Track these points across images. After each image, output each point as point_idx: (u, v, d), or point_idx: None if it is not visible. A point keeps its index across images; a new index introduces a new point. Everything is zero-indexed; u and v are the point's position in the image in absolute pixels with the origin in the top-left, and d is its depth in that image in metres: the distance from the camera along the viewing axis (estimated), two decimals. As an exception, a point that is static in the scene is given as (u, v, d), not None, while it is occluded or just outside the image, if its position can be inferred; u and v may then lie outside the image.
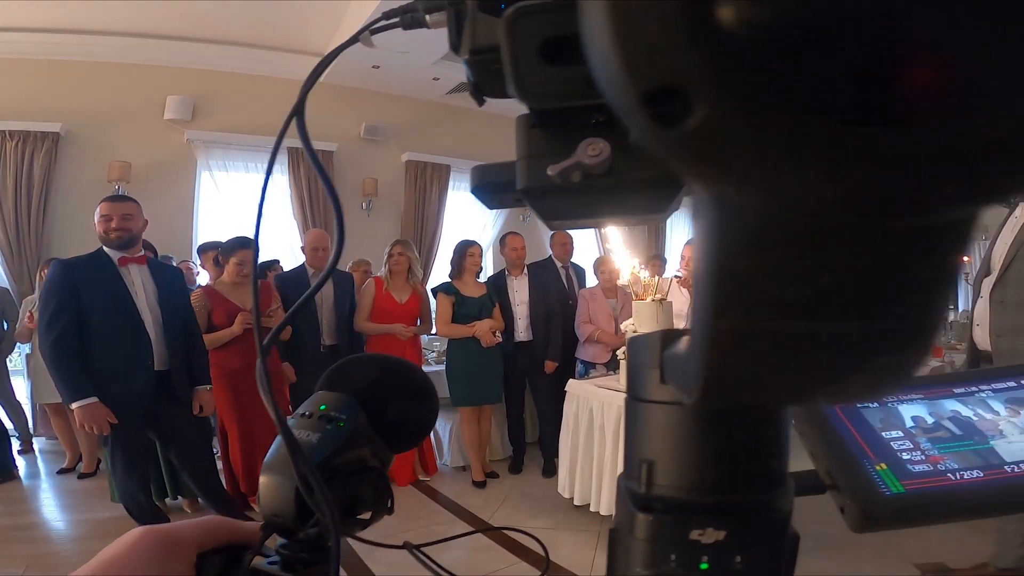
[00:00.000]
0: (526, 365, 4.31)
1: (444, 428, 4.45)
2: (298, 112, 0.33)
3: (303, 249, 4.26)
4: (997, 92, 0.11)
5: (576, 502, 3.39)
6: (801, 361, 0.18)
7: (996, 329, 2.02)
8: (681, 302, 3.44)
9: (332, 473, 0.38)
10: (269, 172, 0.38)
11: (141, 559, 0.34)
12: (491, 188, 0.34)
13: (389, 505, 0.42)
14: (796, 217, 0.15)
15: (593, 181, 0.29)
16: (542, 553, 0.68)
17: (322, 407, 0.40)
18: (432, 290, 4.23)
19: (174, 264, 4.41)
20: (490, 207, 0.37)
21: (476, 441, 4.13)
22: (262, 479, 0.38)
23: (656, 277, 3.35)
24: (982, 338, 2.11)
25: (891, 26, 0.11)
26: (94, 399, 2.71)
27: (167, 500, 3.58)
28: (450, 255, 4.19)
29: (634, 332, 3.24)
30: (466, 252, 4.08)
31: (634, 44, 0.12)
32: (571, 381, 3.63)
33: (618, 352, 3.54)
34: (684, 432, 0.29)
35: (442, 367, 4.24)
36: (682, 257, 4.13)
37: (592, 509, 3.27)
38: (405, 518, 3.52)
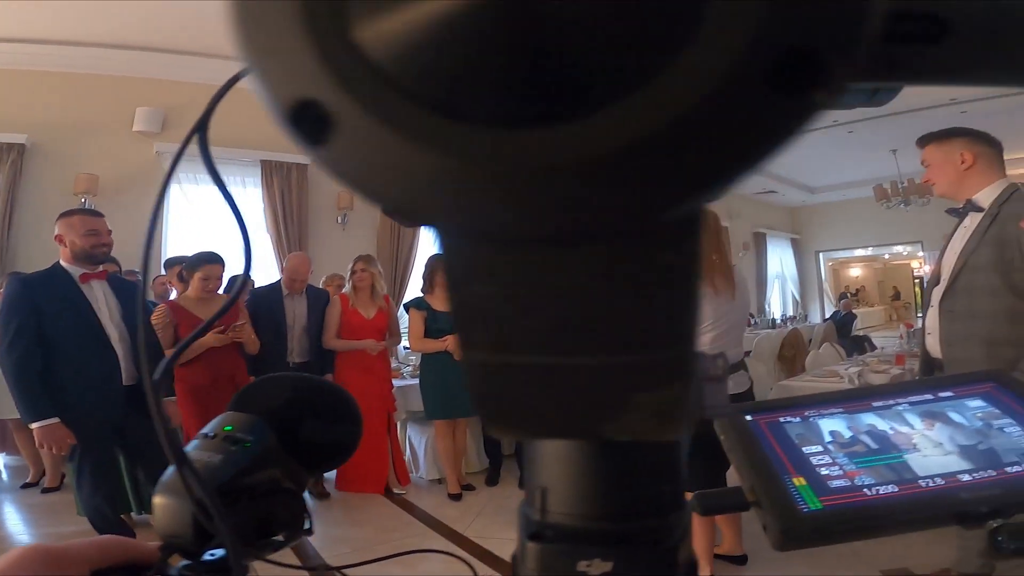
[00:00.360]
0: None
1: (420, 441, 4.42)
2: (201, 128, 0.33)
3: (282, 268, 4.23)
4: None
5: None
6: (556, 396, 0.18)
7: (946, 338, 2.06)
8: None
9: (237, 494, 0.38)
10: (166, 185, 0.38)
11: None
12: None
13: (307, 526, 0.41)
14: (489, 240, 0.14)
15: None
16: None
17: (227, 428, 0.40)
18: (404, 305, 4.21)
19: (139, 279, 4.34)
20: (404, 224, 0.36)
21: (451, 454, 4.10)
22: (156, 500, 0.38)
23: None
24: (934, 346, 2.15)
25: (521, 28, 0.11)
26: (55, 420, 2.65)
27: (133, 515, 3.51)
28: (424, 269, 4.19)
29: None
30: (437, 266, 4.08)
31: (273, 62, 0.12)
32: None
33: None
34: (574, 457, 0.29)
35: (417, 381, 4.22)
36: None
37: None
38: (379, 530, 3.47)
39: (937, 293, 2.13)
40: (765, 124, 0.12)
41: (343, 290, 4.17)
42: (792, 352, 7.22)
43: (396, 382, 4.56)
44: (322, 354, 4.01)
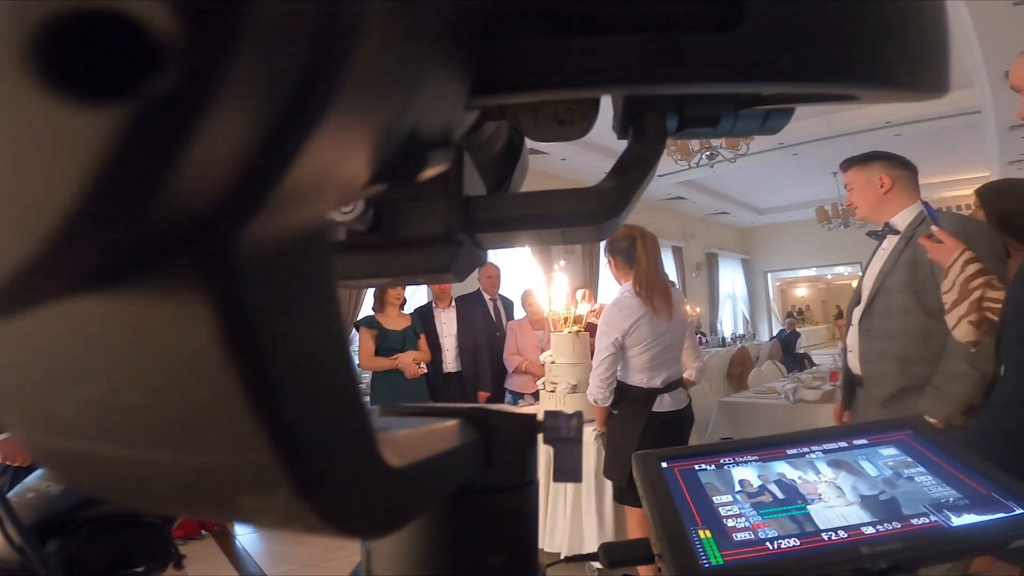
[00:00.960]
0: (456, 396, 4.27)
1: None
2: None
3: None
4: None
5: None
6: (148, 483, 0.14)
7: (864, 356, 2.13)
8: None
9: (78, 525, 0.37)
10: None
11: None
12: None
13: (175, 559, 0.40)
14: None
15: (358, 239, 0.28)
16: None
17: None
18: (354, 324, 4.14)
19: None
20: None
21: (400, 475, 4.05)
22: None
23: (573, 308, 3.39)
24: (854, 363, 2.23)
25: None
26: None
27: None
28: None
29: (552, 363, 3.26)
30: (403, 285, 4.04)
31: None
32: (495, 413, 3.62)
33: (538, 383, 3.55)
34: None
35: (368, 399, 4.16)
36: None
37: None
38: (326, 547, 3.39)
39: (857, 313, 2.21)
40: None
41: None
42: (740, 370, 7.39)
43: (373, 408, 4.48)
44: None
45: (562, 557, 0.49)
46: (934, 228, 1.81)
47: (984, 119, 5.91)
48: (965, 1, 3.78)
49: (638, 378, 2.61)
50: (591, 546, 2.88)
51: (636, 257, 2.58)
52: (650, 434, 2.55)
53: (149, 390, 0.12)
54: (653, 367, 2.60)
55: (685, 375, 2.79)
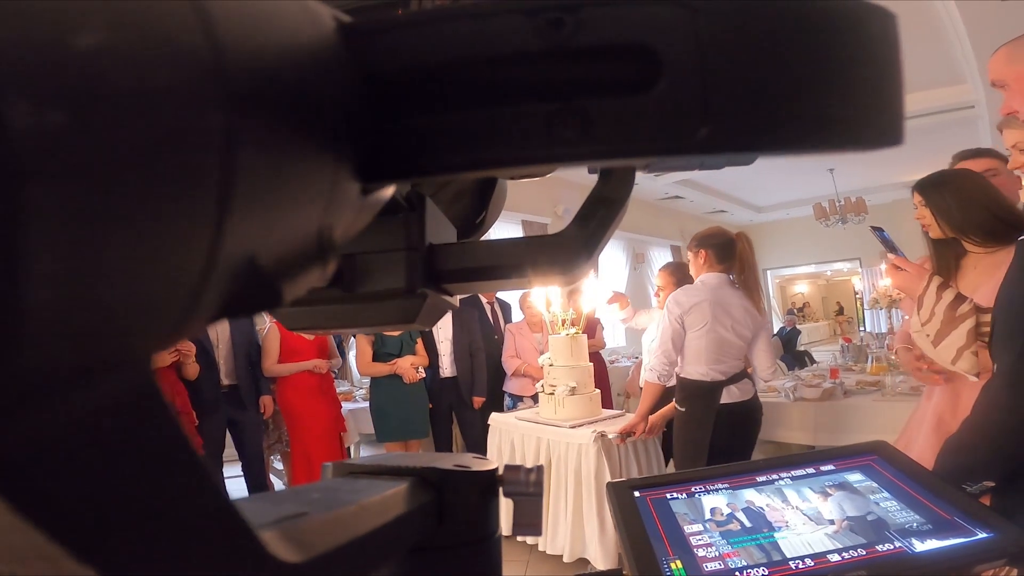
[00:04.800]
0: (453, 400, 4.28)
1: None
2: None
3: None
4: None
5: (504, 533, 3.34)
6: None
7: None
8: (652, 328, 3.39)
9: None
10: None
11: None
12: None
13: None
14: None
15: (319, 293, 0.27)
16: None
17: None
18: (351, 330, 4.16)
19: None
20: None
21: (401, 479, 4.05)
22: None
23: (571, 310, 3.40)
24: None
25: None
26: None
27: None
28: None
29: (551, 365, 3.27)
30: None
31: None
32: (493, 415, 3.63)
33: (536, 385, 3.56)
34: None
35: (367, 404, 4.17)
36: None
37: (519, 540, 3.24)
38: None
39: None
40: None
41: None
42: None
43: (349, 405, 4.48)
44: (254, 376, 3.92)
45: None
46: (891, 256, 1.73)
47: (977, 114, 5.91)
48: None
49: (699, 370, 2.66)
50: (593, 549, 2.88)
51: (736, 253, 2.72)
52: (721, 427, 2.60)
53: None
54: (712, 358, 2.64)
55: (762, 375, 2.85)
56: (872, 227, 1.93)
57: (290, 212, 0.16)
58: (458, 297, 0.31)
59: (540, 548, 3.14)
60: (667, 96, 0.17)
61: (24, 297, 0.09)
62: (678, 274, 3.02)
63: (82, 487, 0.12)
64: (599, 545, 2.86)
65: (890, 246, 1.78)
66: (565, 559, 3.02)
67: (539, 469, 0.32)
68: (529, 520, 0.32)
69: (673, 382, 2.74)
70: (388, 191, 0.23)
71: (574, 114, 0.17)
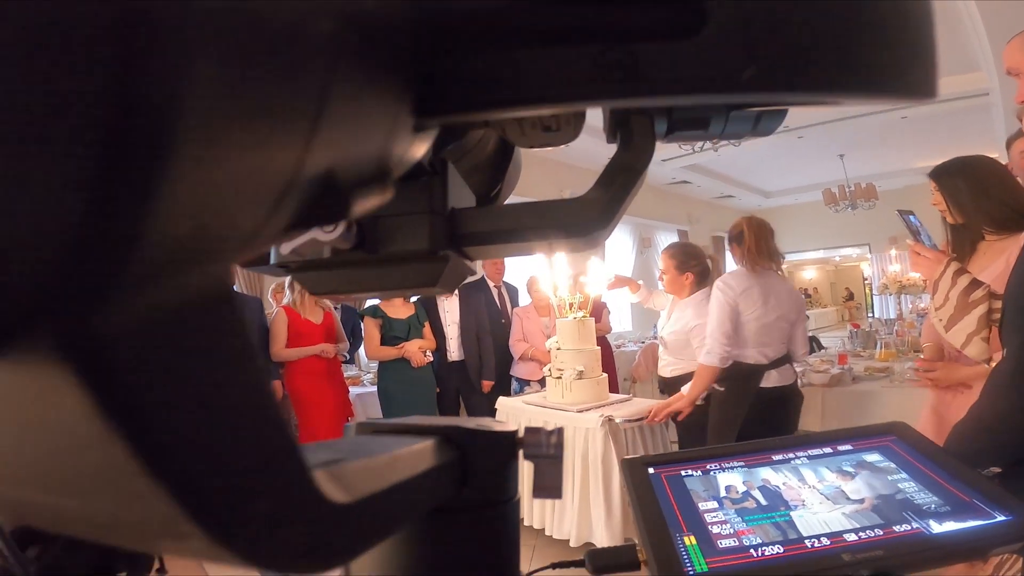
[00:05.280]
0: (460, 383, 4.30)
1: (377, 449, 4.39)
2: None
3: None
4: None
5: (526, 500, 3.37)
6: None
7: None
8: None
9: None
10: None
11: None
12: (257, 259, 0.33)
13: (156, 567, 0.40)
14: None
15: (344, 256, 0.28)
16: None
17: None
18: (358, 313, 4.16)
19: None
20: (264, 272, 0.35)
21: (408, 462, 4.08)
22: None
23: (578, 294, 3.39)
24: None
25: None
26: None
27: None
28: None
29: (558, 349, 3.27)
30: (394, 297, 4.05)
31: None
32: (500, 399, 3.64)
33: (544, 369, 3.56)
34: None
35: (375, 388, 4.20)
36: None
37: (526, 524, 3.26)
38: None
39: None
40: None
41: (284, 301, 4.10)
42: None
43: (357, 389, 4.50)
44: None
45: (550, 564, 0.50)
46: (910, 243, 1.75)
47: (991, 101, 5.83)
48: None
49: (746, 352, 2.71)
50: (600, 535, 2.90)
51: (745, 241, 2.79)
52: (756, 410, 2.65)
53: (45, 454, 0.13)
54: (760, 341, 2.71)
55: (796, 357, 2.89)
56: (899, 210, 1.93)
57: (362, 136, 0.17)
58: (477, 263, 0.31)
59: (547, 533, 3.16)
60: (713, 41, 0.18)
61: (167, 174, 0.10)
62: (679, 256, 2.99)
63: (159, 381, 0.12)
64: (606, 529, 2.88)
65: (914, 231, 1.79)
66: (572, 543, 3.03)
67: (559, 431, 0.32)
68: (550, 483, 0.32)
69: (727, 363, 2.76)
70: (426, 143, 0.24)
71: (623, 55, 0.18)
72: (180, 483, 0.12)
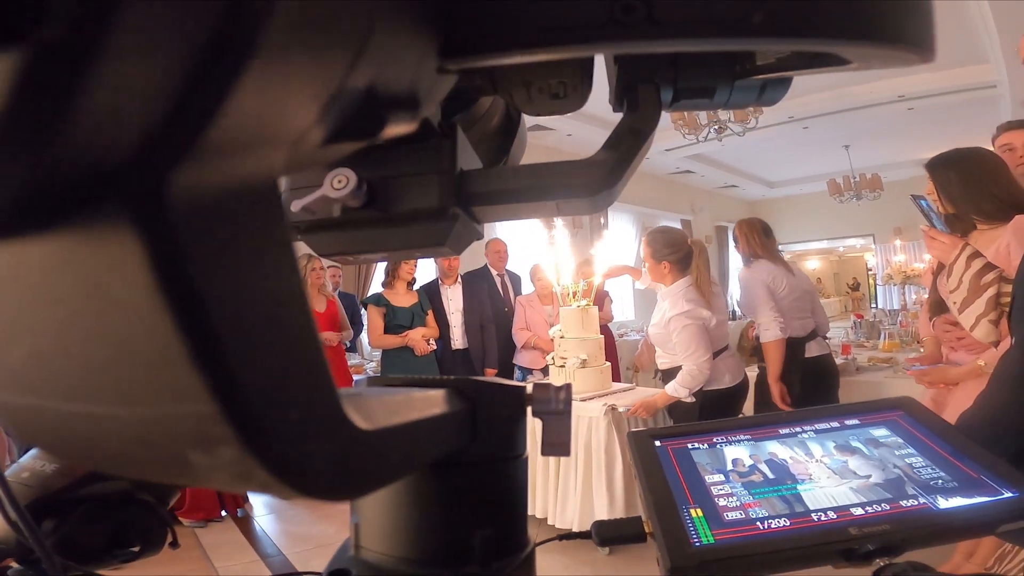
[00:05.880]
0: (463, 372, 4.31)
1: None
2: None
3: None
4: None
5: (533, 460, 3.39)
6: (100, 440, 0.15)
7: None
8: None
9: (76, 503, 0.37)
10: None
11: None
12: None
13: (168, 540, 0.41)
14: None
15: (353, 214, 0.28)
16: None
17: None
18: (362, 302, 4.17)
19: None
20: None
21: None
22: None
23: (582, 282, 3.39)
24: None
25: None
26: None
27: None
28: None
29: (561, 338, 3.27)
30: (400, 260, 4.05)
31: None
32: (504, 388, 3.66)
33: (547, 358, 3.57)
34: (385, 493, 0.29)
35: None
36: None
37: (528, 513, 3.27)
38: (345, 525, 3.47)
39: None
40: None
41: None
42: (750, 343, 7.36)
43: (360, 377, 4.52)
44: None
45: (557, 536, 0.50)
46: (924, 228, 1.78)
47: (999, 94, 5.78)
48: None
49: (792, 324, 3.06)
50: (601, 521, 2.91)
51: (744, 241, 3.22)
52: (809, 379, 3.04)
53: (86, 338, 0.13)
54: (796, 315, 3.06)
55: (821, 331, 3.25)
56: (913, 195, 1.97)
57: (398, 62, 0.19)
58: (484, 225, 0.31)
59: (550, 522, 3.18)
60: None
61: (250, 66, 0.12)
62: (654, 244, 2.91)
63: (213, 259, 0.12)
64: (609, 517, 2.89)
65: (928, 216, 1.81)
66: (558, 536, 3.05)
67: (568, 387, 0.32)
68: (558, 439, 0.32)
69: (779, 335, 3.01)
70: (446, 88, 0.24)
71: (636, 1, 0.19)
72: (219, 374, 0.12)
